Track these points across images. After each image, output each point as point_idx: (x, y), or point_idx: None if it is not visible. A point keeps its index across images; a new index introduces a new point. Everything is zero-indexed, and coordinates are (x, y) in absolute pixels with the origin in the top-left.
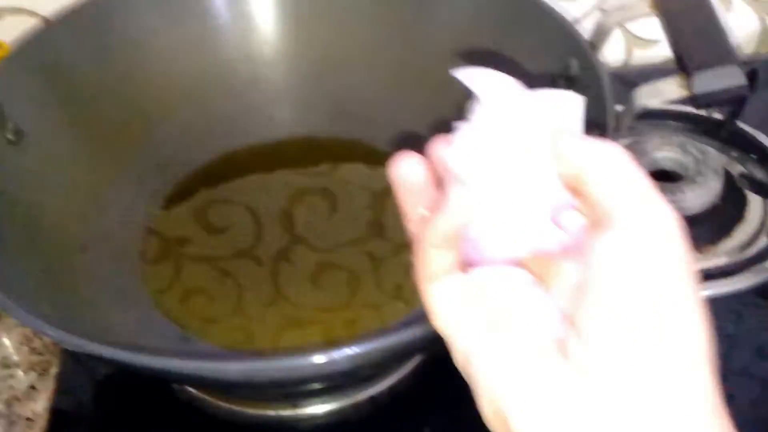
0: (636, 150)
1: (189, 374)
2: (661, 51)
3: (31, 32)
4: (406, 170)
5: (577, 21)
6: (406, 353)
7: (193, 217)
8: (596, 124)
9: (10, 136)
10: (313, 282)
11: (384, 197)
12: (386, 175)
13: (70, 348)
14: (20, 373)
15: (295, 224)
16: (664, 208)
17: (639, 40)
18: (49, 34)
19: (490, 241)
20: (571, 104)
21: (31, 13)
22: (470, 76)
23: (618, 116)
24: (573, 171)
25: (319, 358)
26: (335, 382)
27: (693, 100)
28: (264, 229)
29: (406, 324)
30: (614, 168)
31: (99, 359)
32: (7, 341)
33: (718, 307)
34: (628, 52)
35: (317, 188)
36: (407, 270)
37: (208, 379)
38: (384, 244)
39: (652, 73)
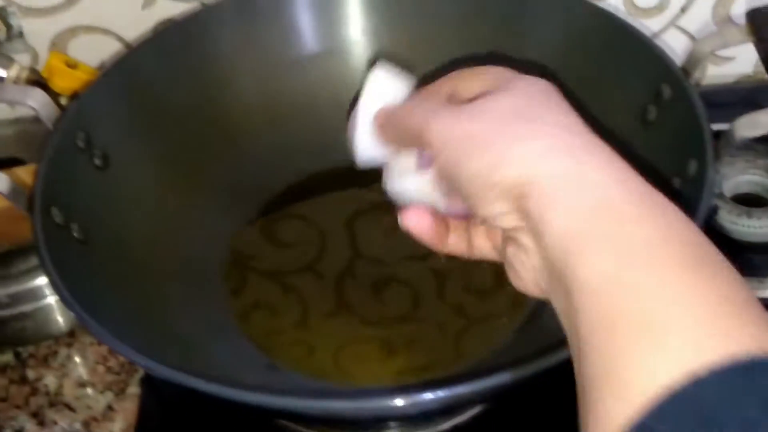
0: (719, 173)
1: (273, 409)
2: (736, 68)
3: (117, 56)
4: (415, 221)
5: (656, 35)
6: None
7: (265, 234)
8: (695, 157)
9: (97, 162)
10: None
11: None
12: None
13: (159, 377)
14: (97, 393)
15: (358, 240)
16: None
17: (714, 56)
18: (135, 57)
19: None
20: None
21: (105, 31)
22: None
23: (717, 147)
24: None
25: (400, 401)
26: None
27: None
28: (329, 244)
29: (492, 370)
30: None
31: (186, 389)
32: (83, 361)
33: None
34: (703, 68)
35: (384, 203)
36: (469, 287)
37: (290, 413)
38: (448, 261)
39: (727, 92)
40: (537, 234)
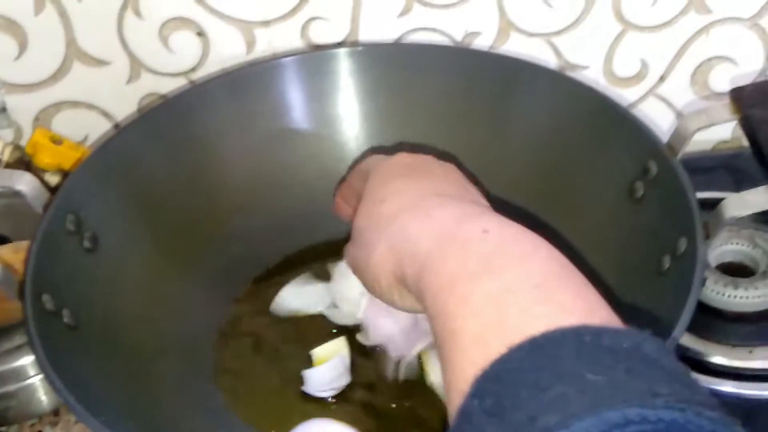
0: None
1: None
2: (714, 134)
3: (105, 137)
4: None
5: (633, 105)
6: None
7: (255, 308)
8: (684, 234)
9: (87, 244)
10: None
11: None
12: None
13: None
14: None
15: None
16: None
17: None
18: (123, 137)
19: None
20: None
21: (90, 106)
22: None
23: (707, 226)
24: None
25: None
26: None
27: None
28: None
29: None
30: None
31: None
32: None
33: None
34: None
35: None
36: None
37: None
38: None
39: (707, 158)
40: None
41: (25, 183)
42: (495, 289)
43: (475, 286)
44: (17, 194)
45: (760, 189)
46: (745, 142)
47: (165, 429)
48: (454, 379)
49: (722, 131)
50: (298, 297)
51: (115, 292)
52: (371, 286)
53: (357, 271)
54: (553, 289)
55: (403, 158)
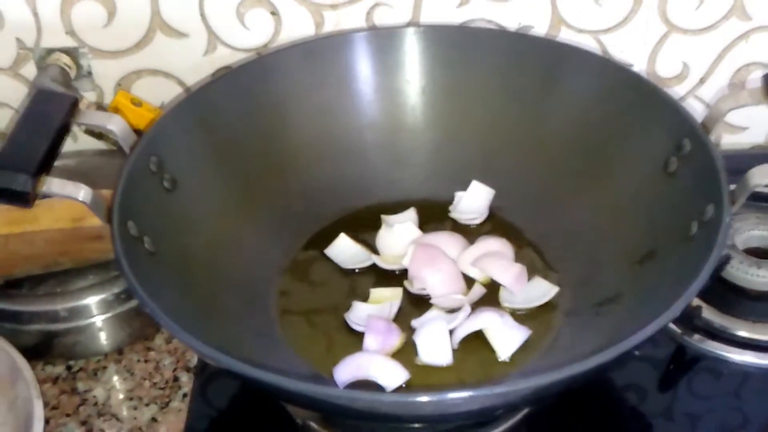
0: (732, 227)
1: (327, 402)
2: (749, 138)
3: (181, 94)
4: None
5: (683, 99)
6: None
7: (317, 261)
8: (712, 202)
9: (167, 185)
10: None
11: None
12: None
13: (223, 367)
14: (142, 405)
15: None
16: None
17: (729, 126)
18: (207, 92)
19: None
20: None
21: (167, 75)
22: None
23: (732, 193)
24: None
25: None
26: (451, 422)
27: None
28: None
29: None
30: None
31: (251, 382)
32: (130, 376)
33: None
34: (718, 137)
35: None
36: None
37: (342, 408)
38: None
39: (742, 158)
40: None
41: (115, 123)
42: None
43: None
44: (96, 153)
45: None
46: None
47: (227, 351)
48: None
49: (757, 135)
50: (353, 245)
51: (188, 229)
52: None
53: None
54: None
55: None
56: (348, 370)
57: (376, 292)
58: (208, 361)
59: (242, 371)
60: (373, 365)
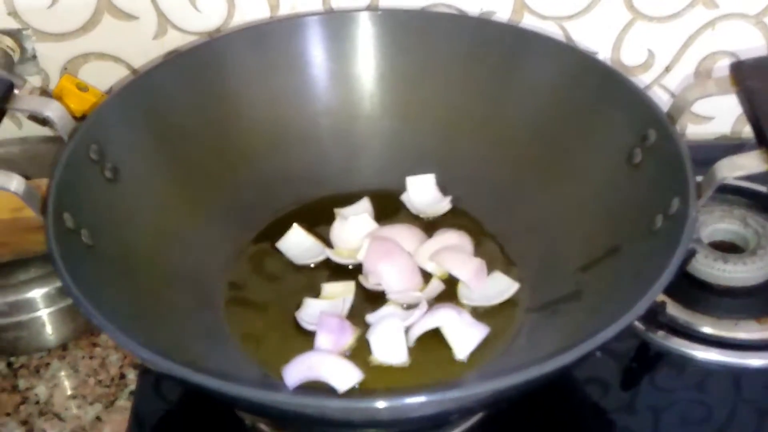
0: (698, 221)
1: (270, 407)
2: (715, 128)
3: (129, 78)
4: None
5: (648, 87)
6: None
7: (267, 254)
8: (678, 195)
9: (108, 174)
10: None
11: None
12: None
13: (162, 371)
14: (86, 404)
15: None
16: None
17: (695, 116)
18: (151, 78)
19: None
20: None
21: (116, 59)
22: None
23: (699, 186)
24: None
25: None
26: (406, 427)
27: None
28: None
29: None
30: None
31: (193, 387)
32: (74, 373)
33: None
34: (683, 127)
35: None
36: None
37: (288, 413)
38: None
39: (707, 149)
40: None
41: (53, 110)
42: None
43: None
44: (42, 140)
45: (753, 153)
46: (745, 135)
47: (171, 349)
48: None
49: (722, 125)
50: (306, 238)
51: (131, 221)
52: None
53: None
54: None
55: None
56: (298, 370)
57: (328, 288)
58: (149, 365)
59: (184, 376)
60: (325, 366)
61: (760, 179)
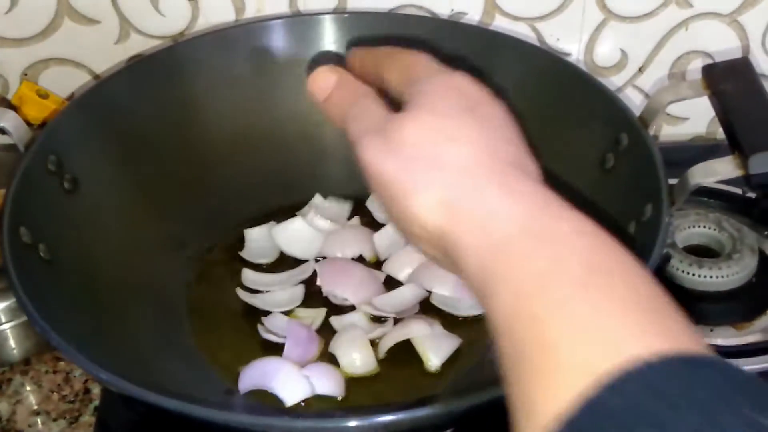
0: (672, 224)
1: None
2: (690, 128)
3: (91, 84)
4: (322, 81)
5: (621, 89)
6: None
7: (227, 261)
8: (651, 201)
9: (66, 185)
10: None
11: None
12: None
13: (121, 393)
14: (50, 420)
15: None
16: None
17: (669, 117)
18: (110, 85)
19: None
20: None
21: (77, 64)
22: None
23: (672, 192)
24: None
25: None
26: None
27: (747, 180)
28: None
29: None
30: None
31: (154, 409)
32: (37, 389)
33: None
34: (658, 128)
35: None
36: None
37: None
38: None
39: (682, 150)
40: (458, 269)
41: (8, 120)
42: (601, 303)
43: (576, 294)
44: (2, 148)
45: (726, 158)
46: (720, 136)
47: (135, 365)
48: (537, 398)
49: (697, 126)
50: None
51: (91, 234)
52: (393, 216)
53: (380, 186)
54: (662, 313)
55: (468, 85)
56: (251, 376)
57: (300, 312)
58: (107, 386)
59: (143, 398)
60: (278, 377)
61: (736, 181)
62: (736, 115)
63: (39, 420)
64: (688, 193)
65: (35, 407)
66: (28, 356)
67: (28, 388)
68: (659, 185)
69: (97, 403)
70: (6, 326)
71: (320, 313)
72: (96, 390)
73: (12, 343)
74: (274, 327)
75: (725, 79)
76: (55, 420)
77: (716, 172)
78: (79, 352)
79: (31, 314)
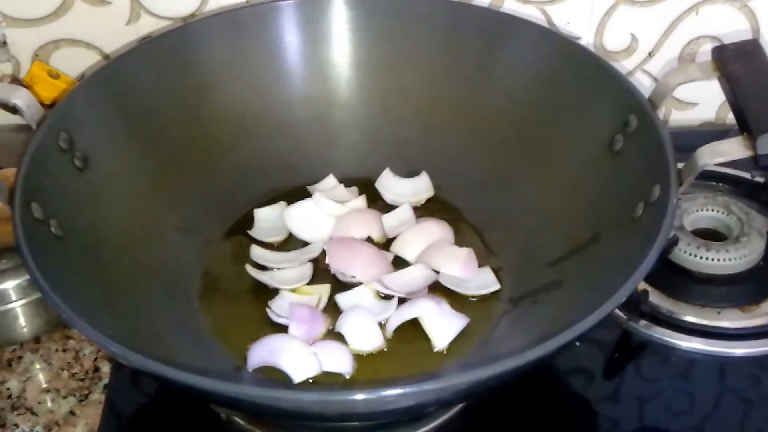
0: (681, 208)
1: (244, 401)
2: (699, 114)
3: (103, 63)
4: None
5: (631, 73)
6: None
7: (239, 251)
8: (659, 182)
9: (78, 163)
10: None
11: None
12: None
13: (132, 366)
14: (60, 398)
15: None
16: None
17: (678, 102)
18: (122, 64)
19: None
20: None
21: (88, 45)
22: None
23: (680, 173)
24: None
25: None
26: (383, 419)
27: (756, 160)
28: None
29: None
30: None
31: (164, 381)
32: (47, 367)
33: (755, 366)
34: (668, 113)
35: None
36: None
37: (262, 407)
38: None
39: (691, 135)
40: None
41: (20, 97)
42: None
43: None
44: (12, 129)
45: (734, 139)
46: (729, 121)
47: (145, 342)
48: None
49: (707, 111)
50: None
51: (102, 211)
52: None
53: None
54: None
55: None
56: (259, 354)
57: (304, 288)
58: (118, 358)
59: (153, 369)
60: (285, 352)
61: (744, 165)
62: (745, 97)
63: (49, 397)
64: (695, 174)
65: (45, 385)
66: (39, 334)
67: (38, 366)
68: (667, 166)
69: (106, 381)
70: (16, 304)
71: (325, 288)
72: (105, 368)
73: (22, 321)
74: (281, 310)
75: (735, 61)
76: (65, 398)
77: (724, 152)
78: (90, 325)
79: (42, 287)
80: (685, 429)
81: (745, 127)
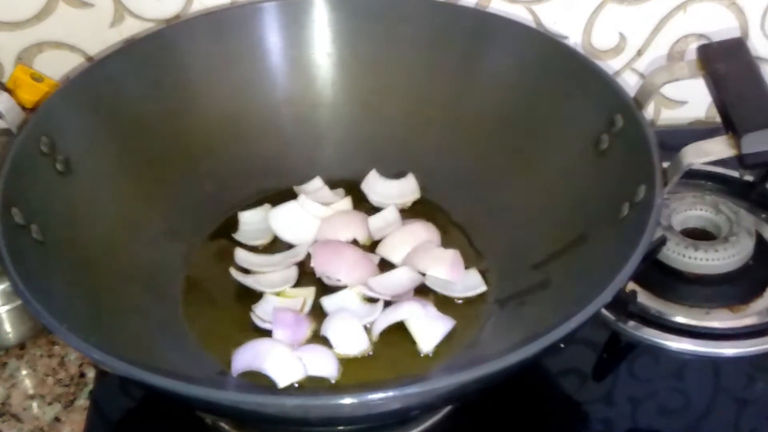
0: (669, 207)
1: (227, 406)
2: (689, 112)
3: (84, 66)
4: None
5: (620, 72)
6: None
7: (223, 255)
8: (644, 182)
9: (59, 167)
10: None
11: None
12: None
13: (115, 373)
14: (45, 404)
15: None
16: None
17: (668, 100)
18: (104, 67)
19: None
20: None
21: (72, 48)
22: None
23: (665, 173)
24: None
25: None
26: (369, 423)
27: (740, 159)
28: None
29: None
30: None
31: (147, 388)
32: (32, 372)
33: (746, 366)
34: (657, 112)
35: None
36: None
37: (245, 412)
38: None
39: (681, 134)
40: None
41: (2, 102)
42: None
43: None
44: None
45: (719, 138)
46: (719, 120)
47: (129, 347)
48: None
49: (696, 110)
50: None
51: (84, 215)
52: None
53: None
54: None
55: None
56: (244, 358)
57: (289, 291)
58: (101, 366)
59: (136, 376)
60: (270, 357)
61: (733, 164)
62: (729, 95)
63: (34, 404)
64: (681, 174)
65: (30, 391)
66: (24, 340)
67: (23, 372)
68: (653, 166)
69: (91, 387)
70: (1, 310)
71: (310, 292)
72: (91, 374)
73: (7, 327)
74: (265, 314)
75: (720, 59)
76: (50, 404)
77: (709, 151)
78: (71, 333)
79: (23, 293)
80: (676, 430)
81: (729, 126)
